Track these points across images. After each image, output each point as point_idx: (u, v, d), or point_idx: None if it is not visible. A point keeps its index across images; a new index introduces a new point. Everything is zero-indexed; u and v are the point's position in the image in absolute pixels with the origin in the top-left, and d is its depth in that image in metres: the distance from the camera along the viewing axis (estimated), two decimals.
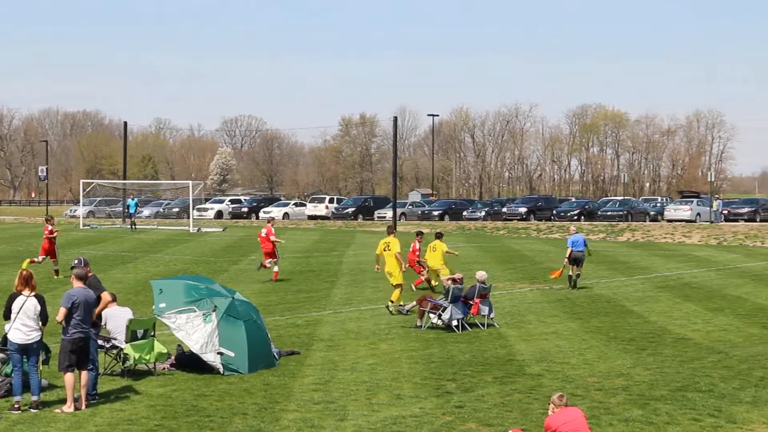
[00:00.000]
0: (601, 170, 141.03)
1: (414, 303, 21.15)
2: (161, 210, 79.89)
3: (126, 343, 14.95)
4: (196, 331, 15.39)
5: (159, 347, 15.18)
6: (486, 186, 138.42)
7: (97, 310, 13.75)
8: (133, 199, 62.94)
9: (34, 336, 12.86)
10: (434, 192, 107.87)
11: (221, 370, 15.18)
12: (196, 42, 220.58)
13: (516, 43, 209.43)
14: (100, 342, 14.60)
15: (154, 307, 16.05)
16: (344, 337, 19.03)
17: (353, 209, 75.63)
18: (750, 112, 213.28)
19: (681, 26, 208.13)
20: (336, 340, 18.56)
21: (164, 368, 15.51)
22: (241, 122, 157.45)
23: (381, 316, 22.04)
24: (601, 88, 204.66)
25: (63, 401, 12.99)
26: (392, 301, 22.17)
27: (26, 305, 12.79)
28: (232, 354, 15.31)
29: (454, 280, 20.83)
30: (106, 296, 14.59)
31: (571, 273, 27.53)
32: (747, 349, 17.59)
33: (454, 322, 19.74)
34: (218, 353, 15.26)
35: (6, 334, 13.17)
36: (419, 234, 27.51)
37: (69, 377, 12.81)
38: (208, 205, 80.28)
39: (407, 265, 26.04)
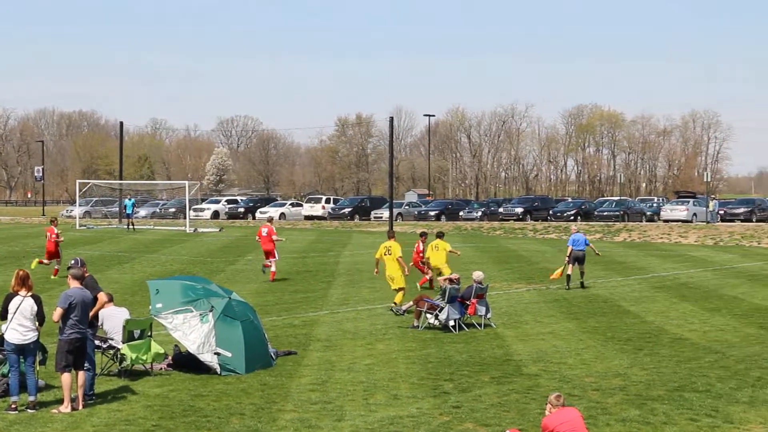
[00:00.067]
0: (598, 170, 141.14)
1: (411, 303, 21.15)
2: (158, 210, 79.83)
3: (123, 343, 14.94)
4: (193, 331, 15.39)
5: (156, 347, 15.17)
6: (482, 186, 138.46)
7: (93, 311, 13.73)
8: (130, 200, 62.81)
9: (30, 336, 12.84)
10: (431, 192, 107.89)
11: (218, 370, 15.17)
12: (196, 42, 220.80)
13: (515, 43, 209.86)
14: (97, 342, 14.58)
15: (150, 307, 16.03)
16: (341, 337, 19.02)
17: (350, 209, 75.62)
18: (747, 112, 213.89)
19: (680, 26, 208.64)
20: (333, 341, 18.55)
21: (161, 368, 15.50)
22: (237, 122, 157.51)
23: (378, 316, 22.04)
24: (601, 88, 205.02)
25: (60, 401, 12.98)
26: (395, 303, 22.12)
27: (23, 305, 12.78)
28: (229, 354, 15.30)
29: (450, 281, 20.83)
30: (102, 297, 14.57)
31: (569, 272, 27.55)
32: (744, 349, 17.61)
33: (451, 323, 19.75)
34: (215, 353, 15.25)
35: (3, 334, 13.16)
36: (423, 235, 27.50)
37: (66, 377, 12.80)
38: (204, 206, 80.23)
39: (411, 265, 26.14)
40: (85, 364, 13.19)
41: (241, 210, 79.43)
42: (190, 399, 13.48)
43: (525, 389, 14.14)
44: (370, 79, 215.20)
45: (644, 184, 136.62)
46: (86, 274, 14.13)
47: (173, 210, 77.26)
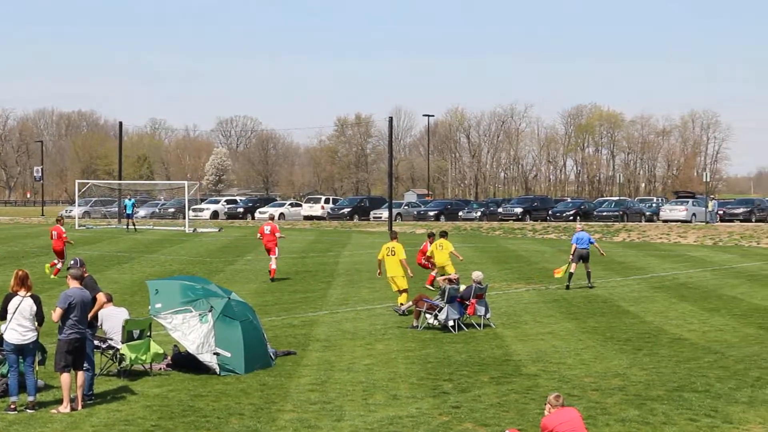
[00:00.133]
0: (597, 170, 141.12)
1: (410, 303, 21.14)
2: (157, 210, 79.83)
3: (122, 343, 14.94)
4: (192, 331, 15.39)
5: (155, 348, 15.17)
6: (482, 186, 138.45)
7: (92, 312, 13.73)
8: (130, 200, 62.71)
9: (30, 336, 12.84)
10: (430, 192, 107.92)
11: (217, 370, 15.17)
12: (196, 42, 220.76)
13: (514, 44, 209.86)
14: (96, 342, 14.58)
15: (150, 307, 16.03)
16: (340, 337, 19.02)
17: (349, 210, 75.62)
18: (747, 112, 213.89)
19: (680, 26, 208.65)
20: (332, 341, 18.55)
21: (160, 369, 15.50)
22: (236, 122, 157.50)
23: (377, 316, 22.04)
24: (600, 88, 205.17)
25: (59, 402, 12.98)
26: (401, 304, 22.05)
27: (22, 306, 12.77)
28: (228, 354, 15.31)
29: (450, 281, 20.82)
30: (101, 297, 14.57)
31: (572, 271, 27.59)
32: (743, 350, 17.61)
33: (451, 323, 19.74)
34: (214, 354, 15.25)
35: (2, 334, 13.16)
36: (431, 235, 27.41)
37: (65, 377, 12.80)
38: (203, 206, 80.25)
39: (420, 264, 26.15)
40: (84, 365, 13.18)
41: (241, 210, 79.44)
42: (190, 399, 13.47)
43: (524, 389, 14.14)
44: (369, 79, 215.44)
45: (643, 185, 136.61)
46: (86, 275, 14.13)
47: (172, 210, 77.25)
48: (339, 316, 22.16)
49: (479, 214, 72.64)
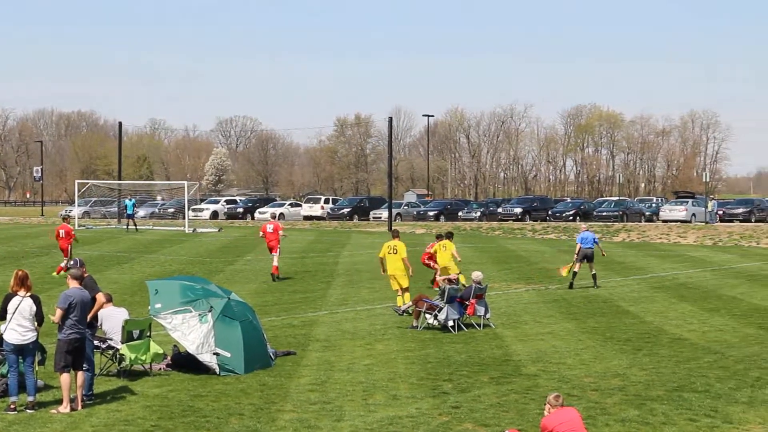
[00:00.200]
0: (597, 171, 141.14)
1: (410, 303, 21.14)
2: (157, 210, 79.83)
3: (122, 343, 14.94)
4: (192, 331, 15.39)
5: (155, 348, 15.18)
6: (481, 186, 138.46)
7: (91, 312, 13.72)
8: (130, 200, 62.63)
9: (29, 336, 12.84)
10: (430, 192, 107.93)
11: (217, 370, 15.17)
12: (196, 42, 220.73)
13: (514, 44, 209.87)
14: (96, 342, 14.58)
15: (149, 307, 16.03)
16: (340, 337, 19.02)
17: (349, 210, 75.60)
18: (747, 112, 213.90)
19: (680, 26, 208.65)
20: (332, 341, 18.55)
21: (160, 369, 15.50)
22: (236, 123, 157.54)
23: (377, 316, 22.04)
24: (601, 88, 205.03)
25: (59, 402, 12.98)
26: (405, 303, 22.02)
27: (22, 306, 12.77)
28: (228, 354, 15.31)
29: (450, 281, 20.81)
30: (100, 297, 14.57)
31: (576, 270, 27.64)
32: (743, 350, 17.61)
33: (450, 323, 19.74)
34: (214, 354, 15.25)
35: (2, 334, 13.16)
36: (439, 236, 27.32)
37: (65, 378, 12.80)
38: (203, 206, 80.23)
39: (424, 263, 26.15)
40: (84, 365, 13.18)
41: (240, 210, 79.42)
42: (189, 399, 13.47)
43: (524, 389, 14.14)
44: (369, 79, 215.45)
45: (643, 185, 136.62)
46: (85, 275, 14.13)
47: (172, 210, 77.24)
48: (339, 316, 22.16)
49: (479, 214, 72.64)
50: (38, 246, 43.51)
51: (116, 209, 72.74)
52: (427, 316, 20.02)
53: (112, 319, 15.25)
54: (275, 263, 29.78)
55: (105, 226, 65.12)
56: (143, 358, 14.97)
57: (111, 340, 15.19)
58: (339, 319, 21.55)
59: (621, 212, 68.77)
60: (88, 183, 79.98)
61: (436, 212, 73.79)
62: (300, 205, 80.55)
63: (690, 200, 67.91)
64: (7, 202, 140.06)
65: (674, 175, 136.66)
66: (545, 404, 10.44)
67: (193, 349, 15.27)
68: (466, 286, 21.39)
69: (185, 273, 30.76)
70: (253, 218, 75.99)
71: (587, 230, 28.67)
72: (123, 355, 14.80)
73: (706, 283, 29.75)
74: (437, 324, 19.87)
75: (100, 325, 15.05)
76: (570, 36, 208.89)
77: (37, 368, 13.39)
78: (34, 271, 27.69)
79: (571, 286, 27.31)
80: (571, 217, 67.78)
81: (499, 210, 72.15)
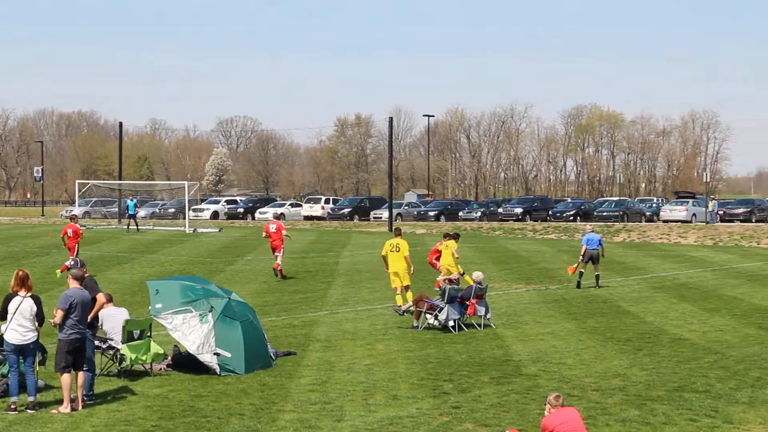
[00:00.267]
0: (597, 171, 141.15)
1: (410, 303, 21.14)
2: (157, 210, 79.83)
3: (122, 343, 14.94)
4: (192, 331, 15.39)
5: (155, 348, 15.18)
6: (482, 186, 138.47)
7: (92, 313, 13.73)
8: (132, 200, 62.54)
9: (30, 337, 12.84)
10: (430, 193, 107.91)
11: (218, 370, 15.17)
12: (196, 42, 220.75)
13: (515, 44, 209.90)
14: (96, 343, 14.58)
15: (150, 307, 16.03)
16: (341, 337, 19.02)
17: (349, 210, 75.60)
18: (747, 112, 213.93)
19: (680, 26, 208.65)
20: (332, 341, 18.55)
21: (161, 369, 15.50)
22: (236, 123, 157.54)
23: (377, 316, 22.04)
24: (601, 88, 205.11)
25: (60, 402, 12.98)
26: (407, 301, 21.98)
27: (22, 306, 12.77)
28: (228, 354, 15.31)
29: (450, 281, 20.81)
30: (101, 298, 14.56)
31: (583, 270, 27.73)
32: (743, 350, 17.61)
33: (451, 323, 19.75)
34: (215, 354, 15.25)
35: (2, 334, 13.16)
36: (447, 236, 27.27)
37: (65, 378, 12.80)
38: (203, 206, 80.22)
39: (430, 262, 26.13)
40: (85, 365, 13.18)
41: (241, 210, 79.41)
42: (190, 399, 13.48)
43: (524, 389, 14.14)
44: (369, 79, 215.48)
45: (643, 185, 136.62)
46: (86, 275, 14.13)
47: (173, 210, 77.23)
48: (339, 316, 22.17)
49: (479, 214, 72.63)
50: (39, 246, 43.52)
51: (117, 209, 72.71)
52: (428, 316, 20.03)
53: (112, 319, 15.26)
54: (278, 261, 30.00)
55: (105, 226, 65.09)
56: (144, 358, 14.98)
57: (111, 340, 15.20)
58: (339, 319, 21.55)
59: (621, 212, 68.76)
60: (88, 183, 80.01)
61: (436, 212, 73.77)
62: (300, 206, 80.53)
63: (690, 200, 67.89)
64: (7, 202, 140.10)
65: (675, 175, 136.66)
66: (545, 404, 10.44)
67: (193, 349, 15.27)
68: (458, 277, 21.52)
69: (186, 273, 30.76)
70: (253, 218, 75.98)
71: (593, 231, 28.75)
72: (123, 355, 14.81)
73: (706, 283, 29.75)
74: (438, 324, 19.87)
75: (101, 325, 15.05)
76: (570, 36, 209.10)
77: (37, 368, 13.39)
78: (34, 271, 27.69)
79: (578, 286, 27.47)
80: (571, 218, 67.78)
81: (500, 210, 72.13)
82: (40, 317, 12.98)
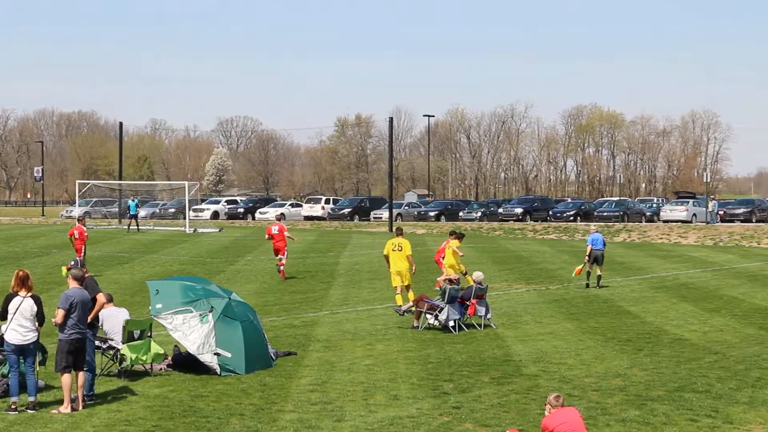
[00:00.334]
0: (597, 171, 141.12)
1: (411, 304, 21.14)
2: (157, 211, 79.81)
3: (123, 343, 14.95)
4: (192, 331, 15.39)
5: (156, 348, 15.18)
6: (482, 187, 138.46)
7: (92, 313, 13.72)
8: (133, 200, 62.38)
9: (30, 337, 12.84)
10: (430, 193, 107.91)
11: (218, 370, 15.18)
12: (196, 42, 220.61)
13: (515, 44, 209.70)
14: (96, 343, 14.58)
15: (150, 307, 16.04)
16: (341, 337, 19.03)
17: (349, 210, 75.58)
18: (747, 112, 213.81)
19: (680, 26, 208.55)
20: (333, 341, 18.55)
21: (161, 369, 15.51)
22: (236, 123, 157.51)
23: (378, 316, 22.05)
24: (600, 89, 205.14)
25: (60, 402, 12.98)
26: (401, 305, 21.96)
27: (23, 306, 12.78)
28: (229, 355, 15.31)
29: (450, 281, 20.81)
30: (101, 298, 14.55)
31: (590, 270, 27.85)
32: (743, 350, 17.61)
33: (451, 323, 19.75)
34: (215, 354, 15.26)
35: (3, 334, 13.16)
36: (452, 234, 27.25)
37: (66, 378, 12.80)
38: (204, 206, 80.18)
39: (437, 261, 26.14)
40: (85, 365, 13.18)
41: (241, 210, 79.38)
42: (190, 399, 13.48)
43: (525, 390, 14.14)
44: (369, 79, 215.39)
45: (644, 185, 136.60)
46: (86, 275, 14.13)
47: (173, 210, 77.22)
48: (339, 316, 22.17)
49: (479, 214, 72.60)
50: (39, 246, 43.53)
51: (117, 209, 72.64)
52: (428, 316, 20.03)
53: (112, 319, 15.26)
54: (282, 262, 30.00)
55: (106, 226, 65.06)
56: (144, 358, 14.98)
57: (112, 340, 15.20)
58: (340, 320, 21.55)
59: (622, 212, 68.76)
60: (88, 183, 79.96)
61: (436, 212, 73.77)
62: (301, 206, 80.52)
63: (691, 200, 67.89)
64: (7, 202, 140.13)
65: (675, 175, 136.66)
66: (546, 404, 10.44)
67: (194, 350, 15.27)
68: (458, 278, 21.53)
69: (186, 273, 30.77)
70: (253, 218, 75.96)
71: (597, 231, 28.90)
72: (124, 355, 14.81)
73: (706, 283, 29.75)
74: (438, 324, 19.87)
75: (101, 325, 15.05)
76: (570, 36, 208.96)
77: (37, 368, 13.40)
78: (34, 271, 27.68)
79: (587, 286, 27.66)
80: (571, 218, 67.77)
81: (500, 210, 72.10)
82: (40, 317, 12.98)
